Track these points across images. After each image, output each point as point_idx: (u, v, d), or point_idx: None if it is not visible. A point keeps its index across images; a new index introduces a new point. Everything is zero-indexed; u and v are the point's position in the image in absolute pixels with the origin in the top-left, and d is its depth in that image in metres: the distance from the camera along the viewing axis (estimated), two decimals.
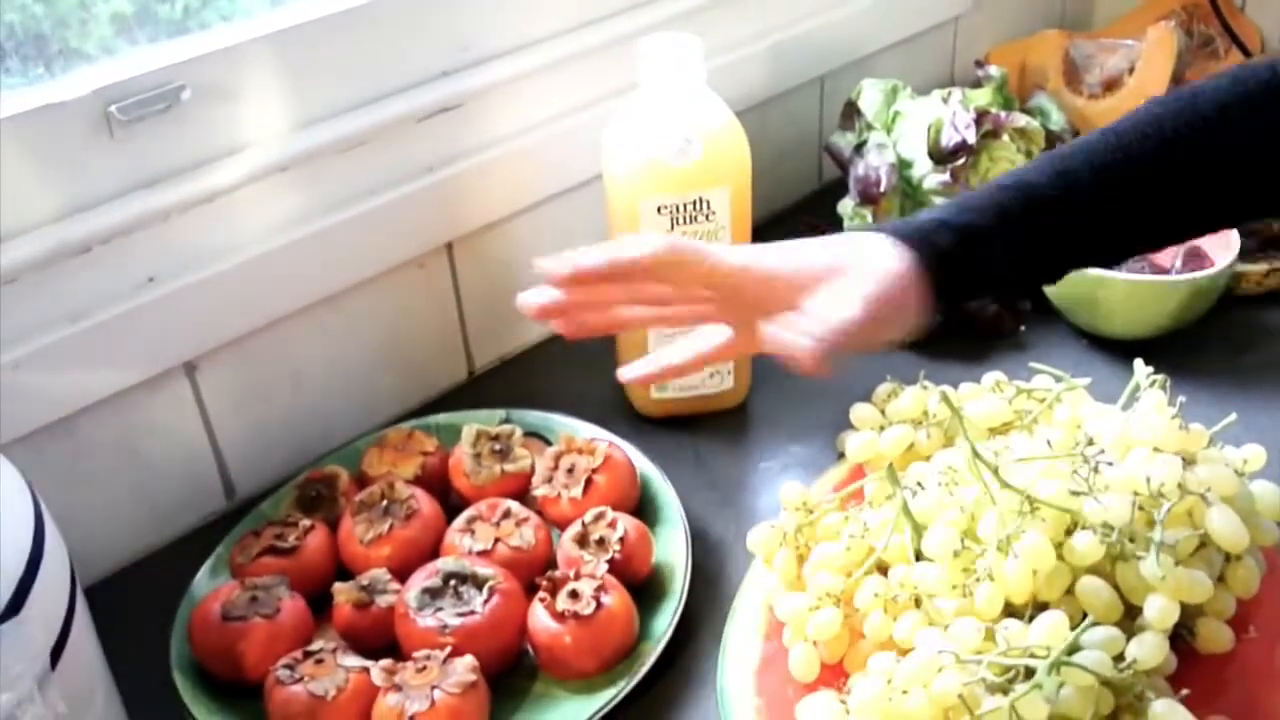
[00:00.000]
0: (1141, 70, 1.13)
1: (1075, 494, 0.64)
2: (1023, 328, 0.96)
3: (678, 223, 0.80)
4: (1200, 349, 0.92)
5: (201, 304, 0.77)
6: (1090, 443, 0.68)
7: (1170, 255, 0.94)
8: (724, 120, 0.82)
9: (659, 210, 0.80)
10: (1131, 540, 0.62)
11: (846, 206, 0.98)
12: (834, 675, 0.66)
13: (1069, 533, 0.64)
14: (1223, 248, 0.91)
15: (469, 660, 0.64)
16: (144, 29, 0.76)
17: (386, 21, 0.82)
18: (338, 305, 0.85)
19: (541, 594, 0.68)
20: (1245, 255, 0.95)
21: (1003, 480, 0.64)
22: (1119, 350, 0.91)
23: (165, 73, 0.73)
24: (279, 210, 0.80)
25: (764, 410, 0.90)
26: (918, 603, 0.66)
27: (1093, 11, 1.39)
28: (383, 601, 0.70)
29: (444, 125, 0.87)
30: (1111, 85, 1.16)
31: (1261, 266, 0.96)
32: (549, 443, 0.82)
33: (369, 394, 0.90)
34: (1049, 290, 0.93)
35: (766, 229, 1.09)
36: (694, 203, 0.80)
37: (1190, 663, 0.64)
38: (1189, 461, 0.67)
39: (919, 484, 0.69)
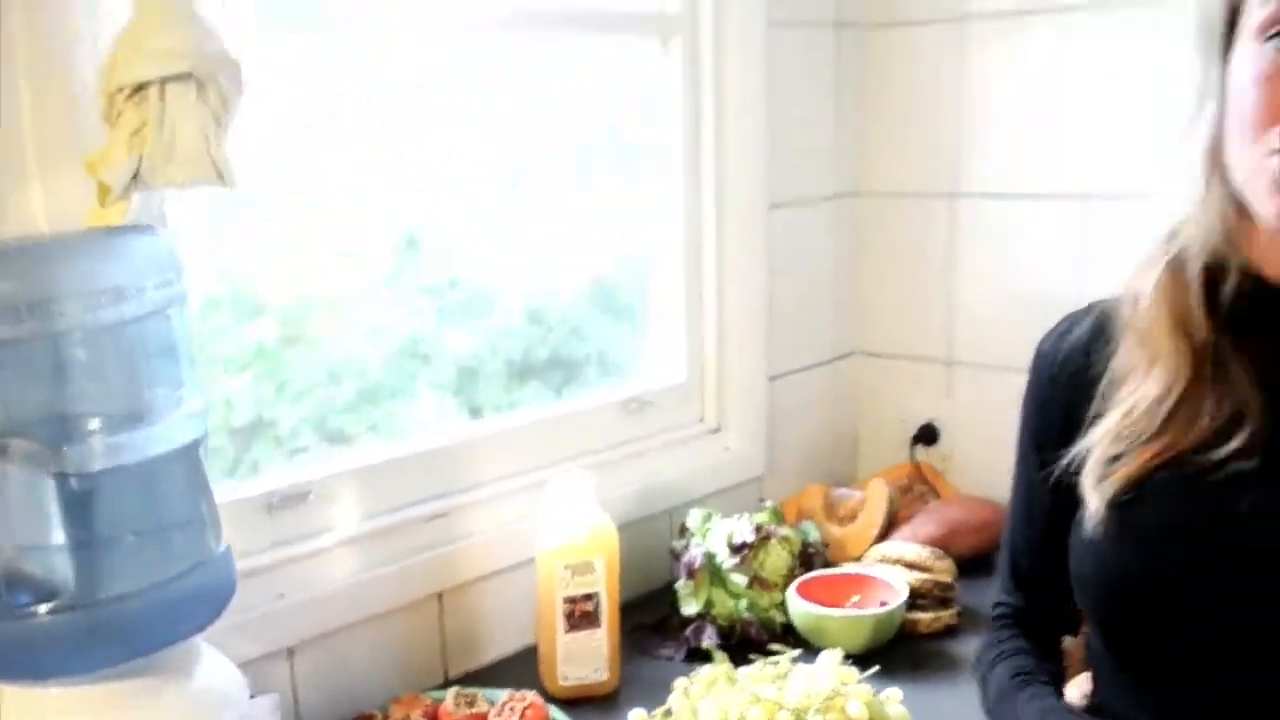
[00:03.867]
0: (866, 509, 1.82)
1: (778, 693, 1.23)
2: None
3: (576, 573, 1.42)
4: (900, 666, 1.52)
5: (306, 613, 1.36)
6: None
7: (869, 601, 1.57)
8: (603, 521, 1.46)
9: (565, 567, 1.42)
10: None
11: (680, 582, 1.61)
12: None
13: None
14: (894, 595, 1.54)
15: None
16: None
17: (416, 467, 1.49)
18: (371, 625, 1.44)
19: None
20: (923, 608, 1.59)
21: (740, 687, 1.23)
22: (849, 662, 1.51)
23: (302, 485, 1.38)
24: (348, 564, 1.42)
25: (631, 694, 1.47)
26: None
27: (855, 470, 2.12)
28: None
29: (438, 524, 1.51)
30: (852, 518, 1.84)
31: (930, 615, 1.59)
32: None
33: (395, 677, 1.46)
34: (795, 620, 1.55)
35: (642, 603, 1.72)
36: (583, 563, 1.43)
37: None
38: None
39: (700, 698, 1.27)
